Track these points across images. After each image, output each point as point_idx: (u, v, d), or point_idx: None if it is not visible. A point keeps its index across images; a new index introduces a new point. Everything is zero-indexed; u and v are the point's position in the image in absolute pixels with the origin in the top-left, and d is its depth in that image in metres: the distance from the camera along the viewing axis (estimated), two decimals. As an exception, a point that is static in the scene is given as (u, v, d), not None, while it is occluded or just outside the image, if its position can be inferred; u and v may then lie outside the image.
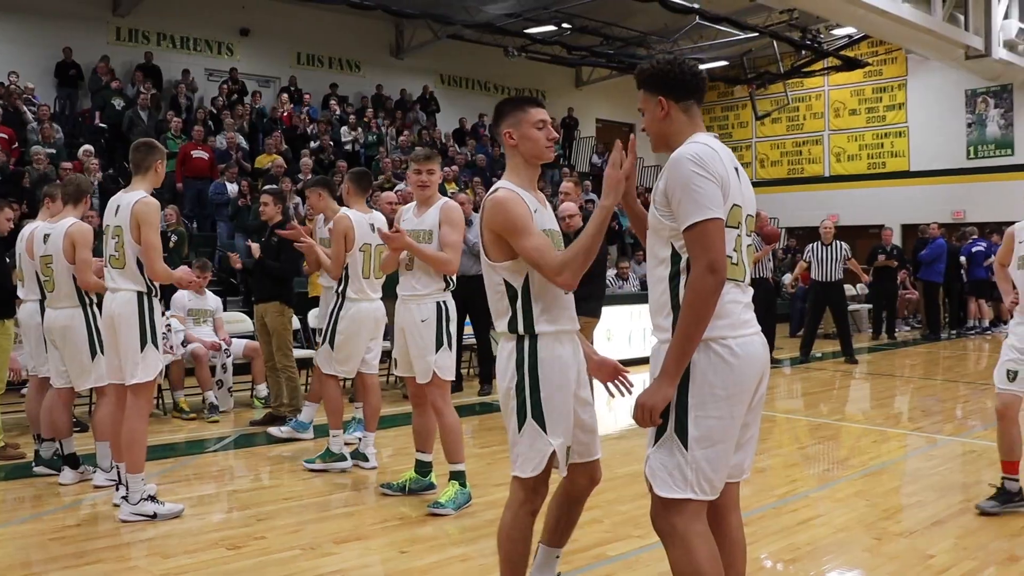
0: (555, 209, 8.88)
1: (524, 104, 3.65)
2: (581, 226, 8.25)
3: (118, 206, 5.64)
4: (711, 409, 2.96)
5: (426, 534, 5.31)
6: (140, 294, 5.58)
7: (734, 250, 3.03)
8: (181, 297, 9.49)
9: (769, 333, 13.82)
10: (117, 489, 5.86)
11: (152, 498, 5.57)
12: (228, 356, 9.41)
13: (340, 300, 6.79)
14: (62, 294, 6.35)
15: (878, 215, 23.87)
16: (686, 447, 2.97)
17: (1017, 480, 5.64)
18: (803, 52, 23.88)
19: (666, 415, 3.00)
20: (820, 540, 5.19)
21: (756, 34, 22.20)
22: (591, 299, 8.12)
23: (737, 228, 3.04)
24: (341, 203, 7.52)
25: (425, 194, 5.85)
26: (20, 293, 7.06)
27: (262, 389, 9.38)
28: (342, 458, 6.84)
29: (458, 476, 5.83)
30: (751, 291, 3.16)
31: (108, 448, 6.15)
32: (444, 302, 5.81)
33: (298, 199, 14.13)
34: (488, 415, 9.43)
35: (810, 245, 13.74)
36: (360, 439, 7.21)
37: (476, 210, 12.35)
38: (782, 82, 25.70)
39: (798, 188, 26.33)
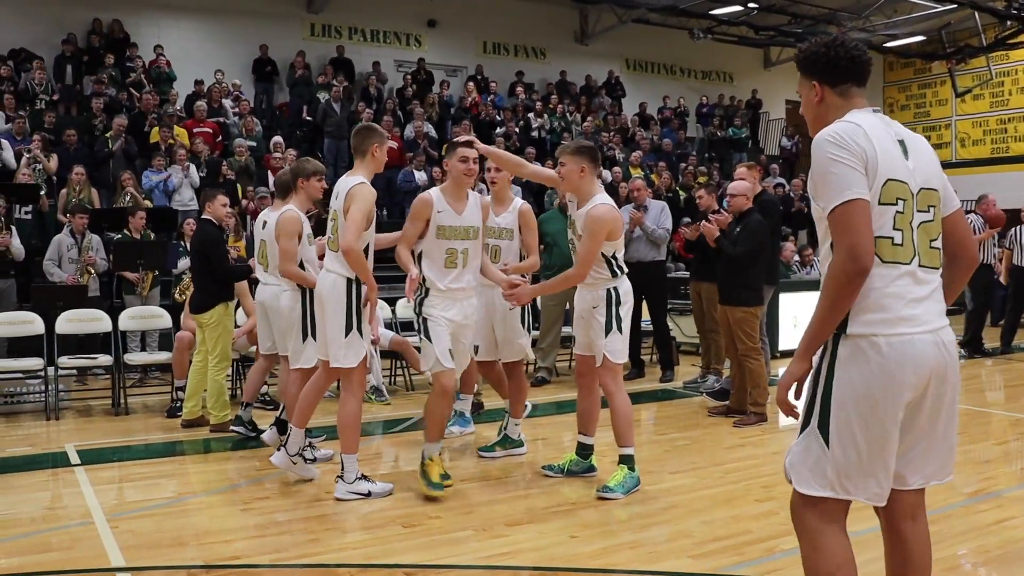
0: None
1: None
2: (745, 208, 8.12)
3: (337, 192, 5.82)
4: (853, 408, 2.80)
5: (596, 519, 5.34)
6: (349, 280, 5.69)
7: (895, 229, 2.82)
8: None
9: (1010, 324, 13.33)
10: (279, 449, 6.18)
11: (365, 476, 5.82)
12: (376, 350, 9.47)
13: None
14: (275, 271, 6.90)
15: (1095, 197, 22.31)
16: (827, 444, 2.84)
17: None
18: (1008, 23, 22.48)
19: (811, 407, 2.90)
20: (1015, 544, 4.88)
21: (955, 5, 21.04)
22: (748, 287, 7.97)
23: (894, 204, 2.82)
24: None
25: (573, 190, 5.87)
26: (262, 276, 7.36)
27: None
28: (519, 444, 6.92)
29: (627, 460, 5.84)
30: (934, 279, 2.91)
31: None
32: (615, 288, 5.82)
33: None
34: (669, 402, 9.36)
35: (1013, 228, 12.98)
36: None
37: (656, 197, 12.29)
38: (984, 56, 24.27)
39: (1003, 168, 24.82)
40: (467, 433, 7.61)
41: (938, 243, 2.93)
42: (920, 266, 2.86)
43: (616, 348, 5.78)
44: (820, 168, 2.83)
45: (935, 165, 3.01)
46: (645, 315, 10.42)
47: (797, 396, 2.96)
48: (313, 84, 18.16)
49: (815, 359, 2.92)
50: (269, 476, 6.36)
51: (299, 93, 18.06)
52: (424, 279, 5.82)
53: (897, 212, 2.83)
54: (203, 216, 7.84)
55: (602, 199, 5.70)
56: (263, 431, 7.14)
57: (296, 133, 17.24)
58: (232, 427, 7.54)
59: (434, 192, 5.93)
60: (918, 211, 2.88)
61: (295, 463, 6.06)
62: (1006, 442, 7.56)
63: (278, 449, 6.20)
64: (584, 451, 6.21)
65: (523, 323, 6.79)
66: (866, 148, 2.80)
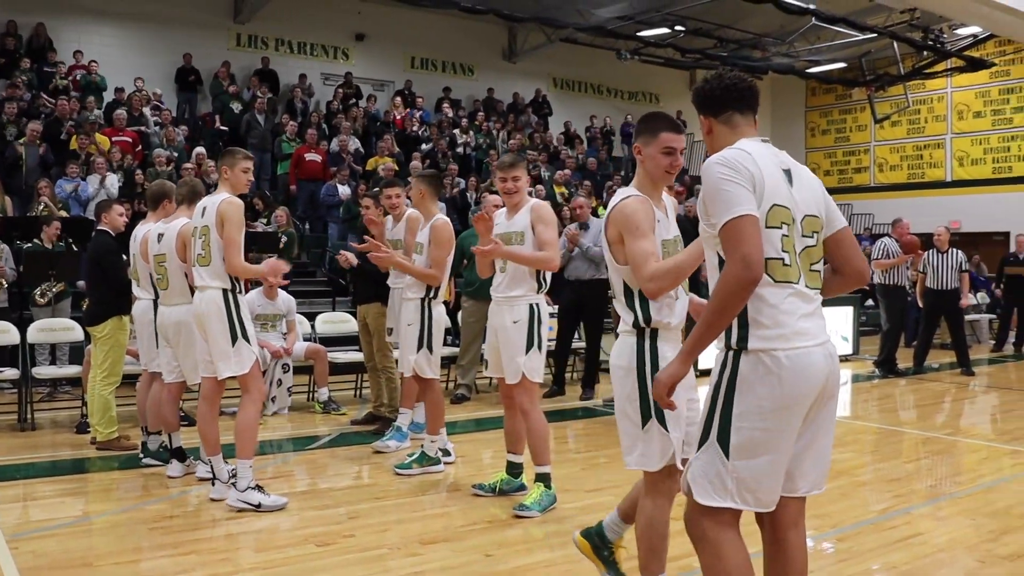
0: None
1: (658, 127, 3.87)
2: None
3: (205, 208, 5.91)
4: (755, 420, 2.90)
5: (514, 537, 5.31)
6: (225, 291, 5.80)
7: (783, 251, 2.94)
8: (250, 302, 9.20)
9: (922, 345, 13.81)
10: (213, 484, 6.04)
11: (259, 487, 5.74)
12: (286, 371, 9.40)
13: (428, 304, 6.85)
14: (175, 292, 6.57)
15: (1003, 222, 23.00)
16: (727, 456, 2.94)
17: None
18: (924, 53, 23.12)
19: (710, 421, 2.99)
20: (920, 560, 4.97)
21: (875, 35, 21.58)
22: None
23: (780, 228, 2.94)
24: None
25: (513, 200, 5.93)
26: (135, 291, 7.30)
27: (323, 393, 9.47)
28: (436, 462, 6.87)
29: (543, 478, 5.83)
30: (817, 297, 3.05)
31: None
32: (536, 304, 5.83)
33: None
34: (590, 420, 9.38)
35: (926, 253, 13.32)
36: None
37: (595, 215, 12.35)
38: (902, 84, 24.95)
39: (918, 193, 25.51)
40: (404, 448, 7.54)
41: (818, 267, 3.07)
42: (805, 286, 3.00)
43: (534, 366, 5.78)
44: (711, 188, 2.92)
45: (818, 193, 3.13)
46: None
47: (669, 394, 3.07)
48: (228, 94, 17.94)
49: (713, 375, 3.03)
50: (179, 494, 6.22)
51: (222, 103, 17.82)
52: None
53: (783, 235, 2.95)
54: (99, 227, 7.66)
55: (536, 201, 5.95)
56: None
57: (219, 144, 16.98)
58: (142, 459, 7.19)
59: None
60: (802, 236, 3.02)
61: (255, 499, 5.75)
62: (917, 460, 7.71)
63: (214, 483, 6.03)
64: (514, 470, 6.18)
65: (420, 340, 6.76)
66: (754, 172, 2.91)
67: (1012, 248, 17.49)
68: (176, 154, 15.13)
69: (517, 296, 5.81)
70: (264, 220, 13.79)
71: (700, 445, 3.02)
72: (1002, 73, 24.61)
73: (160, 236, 6.68)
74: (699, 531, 3.06)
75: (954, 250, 13.22)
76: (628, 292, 3.77)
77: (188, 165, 14.33)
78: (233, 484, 5.76)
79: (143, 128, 15.88)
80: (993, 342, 17.37)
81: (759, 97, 3.24)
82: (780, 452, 2.95)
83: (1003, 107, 24.84)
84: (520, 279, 5.80)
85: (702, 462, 3.01)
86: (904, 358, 13.72)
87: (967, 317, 14.46)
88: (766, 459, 2.92)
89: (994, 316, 18.42)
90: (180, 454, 6.75)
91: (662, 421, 3.64)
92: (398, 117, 19.33)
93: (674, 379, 3.04)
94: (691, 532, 3.12)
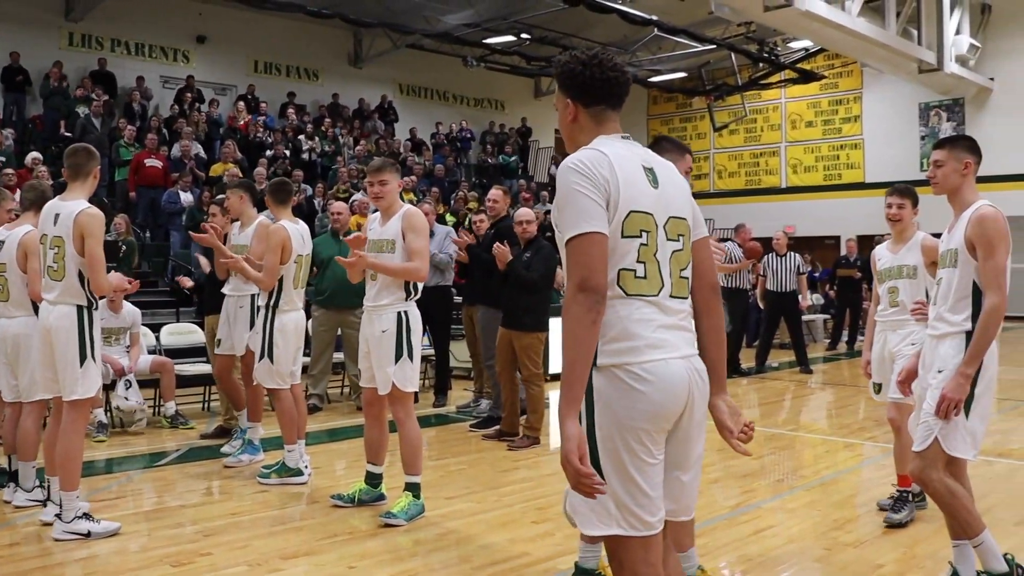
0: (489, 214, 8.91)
1: (685, 148, 4.09)
2: (534, 235, 8.24)
3: (57, 215, 5.43)
4: (619, 439, 2.69)
5: (376, 548, 5.24)
6: (80, 308, 5.42)
7: (638, 261, 2.75)
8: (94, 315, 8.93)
9: (763, 345, 14.41)
10: (45, 506, 5.73)
11: (87, 515, 5.40)
12: (128, 387, 8.92)
13: (271, 312, 6.69)
14: (15, 304, 6.12)
15: (834, 226, 24.13)
16: (604, 480, 2.66)
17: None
18: (760, 65, 24.11)
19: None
20: (772, 551, 5.18)
21: (714, 46, 22.37)
22: (535, 312, 8.08)
23: (639, 237, 2.75)
24: (261, 208, 7.61)
25: (382, 205, 5.87)
26: None
27: (170, 407, 9.15)
28: (298, 472, 6.72)
29: (413, 488, 5.79)
30: (683, 308, 2.86)
31: (30, 468, 6.02)
32: (405, 312, 5.76)
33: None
34: (444, 427, 9.35)
35: (765, 256, 13.83)
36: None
37: (440, 221, 12.32)
38: (739, 94, 25.95)
39: (755, 199, 26.52)
40: (257, 461, 7.34)
41: (687, 272, 2.89)
42: (670, 296, 2.81)
43: (405, 376, 5.72)
44: (562, 196, 2.75)
45: (684, 194, 2.98)
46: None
47: (582, 461, 2.63)
48: (74, 99, 17.19)
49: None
50: (21, 518, 5.88)
51: (55, 106, 17.05)
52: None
53: (641, 244, 2.76)
54: None
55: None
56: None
57: (51, 148, 16.24)
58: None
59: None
60: (668, 240, 2.83)
61: (83, 529, 5.39)
62: (762, 457, 7.97)
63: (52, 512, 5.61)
64: (373, 480, 6.11)
65: (261, 350, 6.67)
66: (609, 179, 2.72)
67: (843, 251, 18.33)
68: (3, 158, 14.36)
69: (385, 305, 5.74)
70: (102, 228, 13.23)
71: None
72: (831, 85, 25.84)
73: (0, 243, 6.25)
74: (615, 565, 2.82)
75: (792, 254, 13.81)
76: None
77: (8, 170, 13.43)
78: (59, 516, 5.39)
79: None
80: (828, 341, 18.20)
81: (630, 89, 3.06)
82: (653, 471, 2.74)
83: (832, 117, 26.06)
84: (389, 288, 5.74)
85: None
86: (746, 358, 14.22)
87: (804, 317, 15.07)
88: (641, 479, 2.71)
89: (828, 316, 19.29)
90: (16, 477, 6.33)
91: None
92: (242, 122, 18.89)
93: (575, 442, 2.60)
94: (611, 564, 2.87)
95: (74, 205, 5.40)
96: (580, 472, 2.59)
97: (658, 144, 4.06)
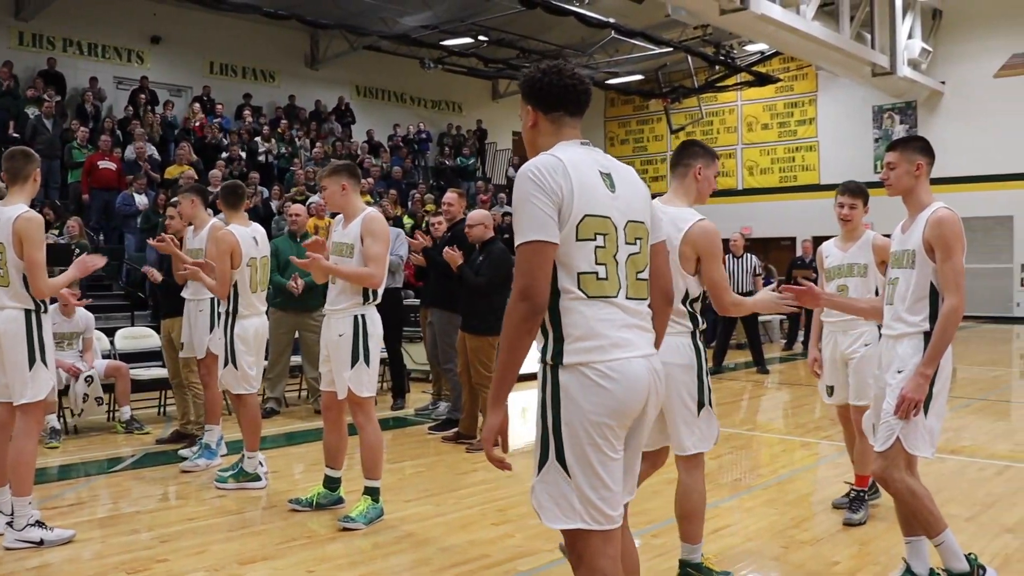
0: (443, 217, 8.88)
1: (714, 154, 4.53)
2: (487, 237, 8.21)
3: None
4: (584, 435, 2.78)
5: (335, 552, 5.22)
6: (28, 312, 5.33)
7: (598, 263, 2.83)
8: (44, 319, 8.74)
9: (720, 346, 14.50)
10: None
11: (40, 523, 5.32)
12: (90, 383, 8.81)
13: (231, 318, 6.65)
14: None
15: (790, 227, 24.37)
16: (569, 475, 2.79)
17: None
18: (716, 67, 24.32)
19: (545, 441, 2.84)
20: (730, 550, 5.22)
21: (671, 49, 22.51)
22: (485, 316, 8.04)
23: (595, 240, 2.83)
24: (216, 212, 7.56)
25: (336, 209, 5.86)
26: None
27: (125, 412, 9.04)
28: (256, 478, 6.67)
29: (372, 492, 5.77)
30: (642, 309, 2.95)
31: None
32: (362, 316, 5.73)
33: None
34: (401, 430, 9.32)
35: (723, 257, 13.90)
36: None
37: (395, 225, 12.25)
38: (696, 96, 26.15)
39: (712, 201, 25.93)
40: (214, 466, 7.27)
41: (645, 275, 2.97)
42: (627, 298, 2.89)
43: (361, 380, 5.69)
44: (517, 201, 2.83)
45: (643, 198, 3.06)
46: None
47: (504, 449, 2.89)
48: (20, 97, 16.93)
49: (537, 392, 2.89)
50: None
51: (4, 106, 16.77)
52: None
53: (598, 247, 2.84)
54: None
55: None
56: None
57: (0, 150, 15.96)
58: None
59: None
60: (625, 243, 2.91)
61: (35, 537, 5.29)
62: (720, 456, 8.00)
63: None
64: (331, 484, 6.08)
65: (225, 357, 6.62)
66: (563, 185, 2.79)
67: (799, 252, 18.51)
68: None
69: (342, 308, 5.72)
70: (56, 231, 13.06)
71: (541, 467, 2.85)
72: (786, 88, 26.10)
73: None
74: (575, 559, 2.90)
75: (749, 255, 13.95)
76: (689, 299, 4.36)
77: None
78: (10, 524, 5.29)
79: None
80: (784, 341, 18.36)
81: (590, 99, 3.13)
82: (615, 465, 2.84)
83: (788, 120, 26.33)
84: (346, 292, 5.71)
85: (546, 484, 2.84)
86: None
87: (760, 318, 15.19)
88: (605, 473, 2.81)
89: (784, 317, 19.44)
90: None
91: (711, 405, 4.42)
92: (196, 124, 18.72)
93: (494, 431, 2.85)
94: (569, 559, 2.95)
95: (12, 211, 5.30)
96: (492, 457, 2.86)
97: (689, 147, 4.55)
